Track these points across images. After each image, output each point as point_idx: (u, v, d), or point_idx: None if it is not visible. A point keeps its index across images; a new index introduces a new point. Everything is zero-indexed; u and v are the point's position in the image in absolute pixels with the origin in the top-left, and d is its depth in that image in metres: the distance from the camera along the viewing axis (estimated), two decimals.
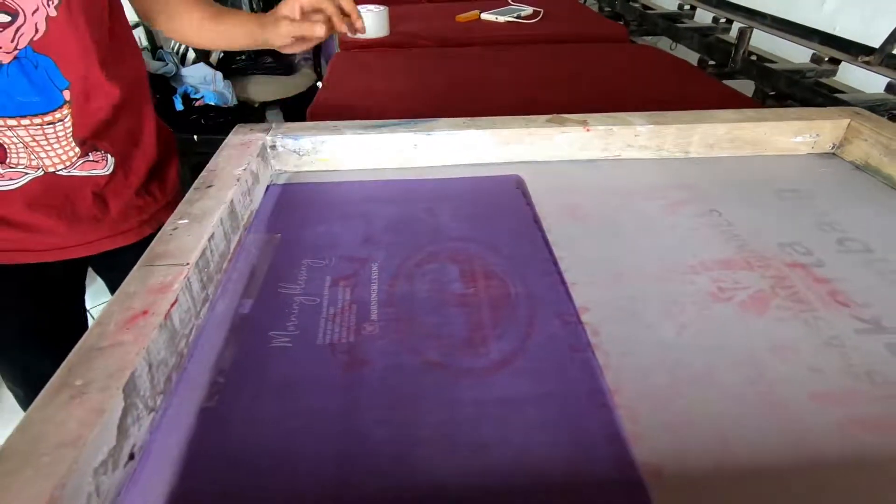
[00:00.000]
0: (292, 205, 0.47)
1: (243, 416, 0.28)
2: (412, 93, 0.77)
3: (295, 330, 0.33)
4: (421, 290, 0.37)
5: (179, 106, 1.91)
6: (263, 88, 2.26)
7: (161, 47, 2.33)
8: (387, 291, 0.36)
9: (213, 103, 1.99)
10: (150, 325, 0.28)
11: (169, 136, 0.70)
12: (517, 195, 0.48)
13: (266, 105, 2.40)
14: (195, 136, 1.70)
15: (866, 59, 0.78)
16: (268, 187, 0.49)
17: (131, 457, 0.25)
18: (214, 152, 1.67)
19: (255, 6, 2.13)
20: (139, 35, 2.40)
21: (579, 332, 0.33)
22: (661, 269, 0.39)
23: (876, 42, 0.77)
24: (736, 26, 1.05)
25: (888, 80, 0.73)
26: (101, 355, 0.26)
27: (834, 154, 0.56)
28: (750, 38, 0.82)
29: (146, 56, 2.08)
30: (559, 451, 0.26)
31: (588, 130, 0.52)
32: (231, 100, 2.08)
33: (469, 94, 0.77)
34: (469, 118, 0.53)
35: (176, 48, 2.16)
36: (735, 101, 0.74)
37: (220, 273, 0.37)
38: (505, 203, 0.47)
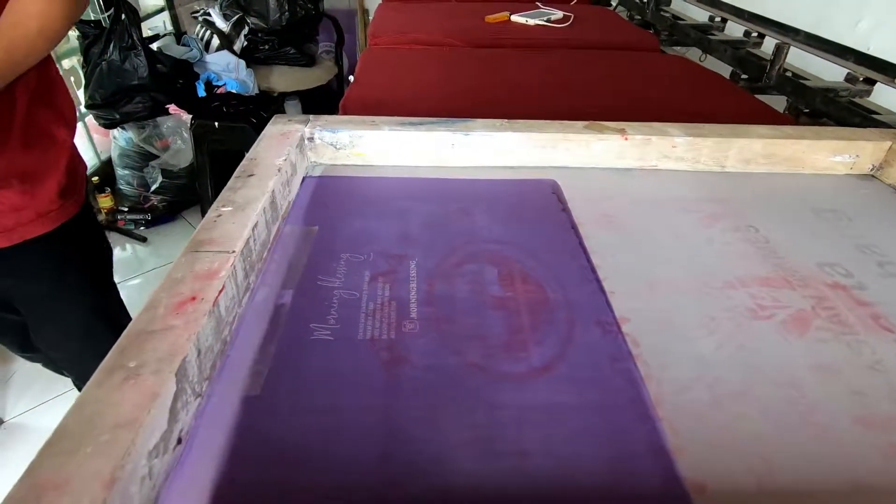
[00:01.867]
0: (328, 198, 0.47)
1: (286, 407, 0.28)
2: (442, 92, 0.77)
3: (335, 323, 0.33)
4: (460, 290, 0.37)
5: (202, 92, 1.92)
6: (285, 79, 2.27)
7: (185, 32, 2.34)
8: (426, 290, 0.36)
9: (234, 91, 2.00)
10: (199, 311, 0.28)
11: (55, 145, 0.68)
12: (553, 200, 0.48)
13: (286, 95, 2.41)
14: (216, 123, 1.71)
15: None
16: (304, 179, 0.50)
17: (179, 441, 0.25)
18: (232, 139, 1.68)
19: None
20: (164, 20, 2.42)
21: (620, 342, 0.33)
22: (698, 282, 0.39)
23: None
24: (768, 41, 1.04)
25: None
26: (152, 338, 0.26)
27: (873, 176, 0.55)
28: (787, 54, 0.81)
29: (170, 40, 2.09)
30: (601, 461, 0.26)
31: (626, 139, 0.52)
32: (252, 88, 2.09)
33: (499, 97, 0.77)
34: (507, 120, 0.53)
35: (201, 34, 2.17)
36: (769, 117, 0.74)
37: (262, 262, 0.37)
38: (541, 207, 0.47)
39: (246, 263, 0.34)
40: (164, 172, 1.90)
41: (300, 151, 0.49)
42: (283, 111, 2.23)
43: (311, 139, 0.51)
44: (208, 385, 0.28)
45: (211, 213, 0.36)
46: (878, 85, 0.80)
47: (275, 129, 0.49)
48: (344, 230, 0.42)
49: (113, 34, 1.72)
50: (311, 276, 0.37)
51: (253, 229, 0.35)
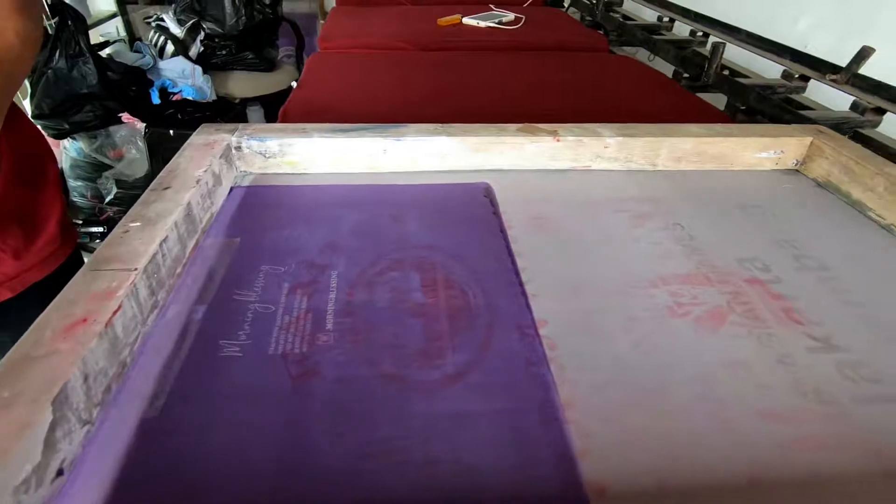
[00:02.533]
0: (255, 208, 0.46)
1: (185, 428, 0.27)
2: (389, 97, 0.77)
3: (246, 339, 0.32)
4: (380, 299, 0.36)
5: (156, 100, 1.87)
6: (244, 84, 2.23)
7: (139, 39, 2.28)
8: (344, 300, 0.36)
9: (191, 98, 1.95)
10: (89, 333, 0.27)
11: (48, 180, 0.63)
12: (485, 203, 0.48)
13: (247, 101, 2.37)
14: (171, 131, 1.66)
15: (833, 76, 0.80)
16: (231, 189, 0.48)
17: (59, 473, 0.24)
18: None
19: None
20: (117, 25, 2.35)
21: (536, 346, 0.33)
22: (623, 282, 0.39)
23: (845, 61, 0.79)
24: (712, 40, 1.07)
25: (853, 98, 0.74)
26: (33, 365, 0.25)
27: (797, 171, 0.57)
28: (722, 53, 0.84)
29: (121, 47, 2.03)
30: (506, 468, 0.26)
31: (558, 141, 0.52)
32: (210, 95, 2.05)
33: (446, 101, 0.77)
34: (440, 125, 0.53)
35: (154, 40, 2.11)
36: (707, 115, 0.76)
37: (174, 278, 0.36)
38: (472, 211, 0.47)
39: (152, 281, 0.33)
40: (120, 183, 1.84)
41: (227, 161, 0.48)
42: (244, 118, 2.19)
43: (238, 148, 0.49)
44: (100, 410, 0.27)
45: (118, 228, 0.35)
46: (813, 81, 0.83)
47: (200, 138, 0.48)
48: (267, 241, 0.41)
49: (59, 41, 1.66)
50: (227, 290, 0.36)
51: (161, 245, 0.34)
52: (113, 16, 2.33)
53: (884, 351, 0.34)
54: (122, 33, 2.34)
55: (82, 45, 1.68)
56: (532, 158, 0.53)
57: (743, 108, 0.79)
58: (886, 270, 0.42)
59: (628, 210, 0.48)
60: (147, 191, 0.39)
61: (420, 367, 0.31)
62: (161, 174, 0.42)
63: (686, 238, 0.44)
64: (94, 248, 1.64)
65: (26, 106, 1.78)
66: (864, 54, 0.74)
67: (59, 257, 0.64)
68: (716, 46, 0.82)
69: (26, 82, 1.76)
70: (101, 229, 1.86)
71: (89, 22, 1.79)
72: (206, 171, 0.42)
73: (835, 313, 0.37)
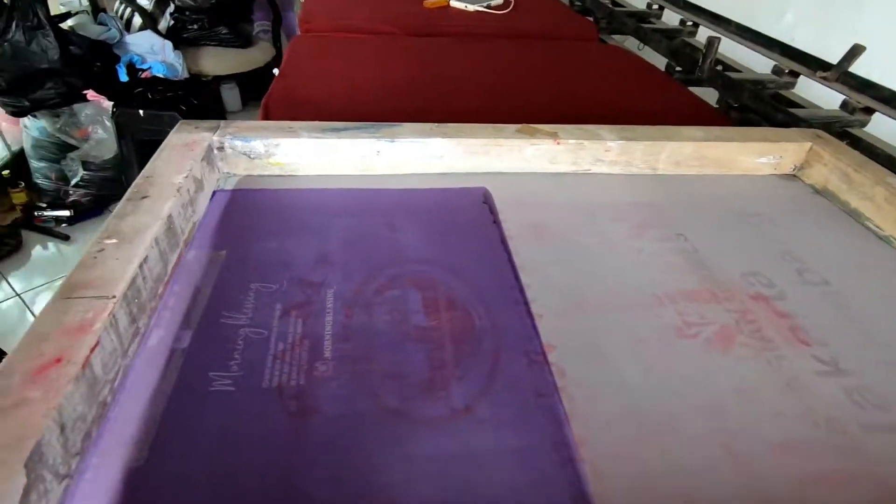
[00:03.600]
0: (241, 215, 0.43)
1: (174, 477, 0.25)
2: (374, 85, 0.73)
3: (238, 370, 0.30)
4: (380, 321, 0.34)
5: (124, 77, 1.77)
6: (218, 61, 2.13)
7: (104, 10, 2.15)
8: (342, 323, 0.34)
9: (161, 75, 1.86)
10: (63, 376, 0.24)
11: None
12: (483, 211, 0.46)
13: (221, 79, 2.27)
14: (140, 112, 1.58)
15: (824, 74, 0.80)
16: (214, 193, 0.45)
17: None
18: (160, 129, 1.57)
19: None
20: None
21: (545, 375, 0.31)
22: (627, 299, 0.38)
23: (829, 55, 0.79)
24: (702, 31, 1.05)
25: (843, 97, 0.74)
26: (1, 418, 0.22)
27: (795, 176, 0.56)
28: (717, 47, 0.82)
29: (84, 19, 1.91)
30: None
31: (558, 143, 0.50)
32: (182, 72, 1.96)
33: (433, 90, 0.74)
34: (436, 125, 0.50)
35: (120, 12, 2.00)
36: (701, 114, 0.75)
37: (155, 300, 0.33)
38: (471, 219, 0.45)
39: (132, 307, 0.30)
40: (86, 165, 1.75)
41: (208, 164, 0.44)
42: (217, 96, 2.10)
43: (220, 148, 0.46)
44: (80, 461, 0.25)
45: (92, 247, 0.32)
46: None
47: (178, 138, 0.45)
48: (256, 254, 0.39)
49: (15, 12, 1.55)
50: (214, 312, 0.34)
51: (141, 266, 0.31)
52: None
53: (889, 374, 0.34)
54: (85, 3, 2.20)
55: (41, 15, 1.57)
56: (531, 161, 0.51)
57: (736, 105, 0.78)
58: (888, 285, 0.42)
59: (629, 218, 0.47)
60: (123, 200, 0.36)
61: (424, 399, 0.29)
62: (137, 181, 0.38)
63: (689, 250, 0.43)
64: (60, 233, 1.56)
65: None
66: (854, 52, 0.74)
67: None
68: (711, 41, 0.81)
69: None
70: (66, 213, 1.77)
71: None
72: (186, 176, 0.39)
73: (840, 333, 0.37)
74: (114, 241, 0.32)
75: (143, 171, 0.40)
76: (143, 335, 0.31)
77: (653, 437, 0.29)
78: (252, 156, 0.47)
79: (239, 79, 2.37)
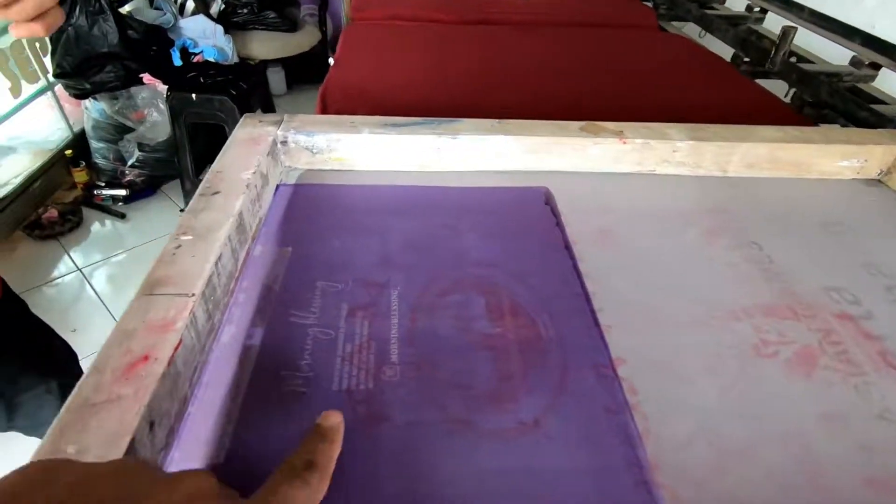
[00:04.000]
0: (304, 211, 0.43)
1: (253, 479, 0.25)
2: (429, 75, 0.72)
3: (309, 371, 0.30)
4: (444, 325, 0.34)
5: (178, 61, 1.82)
6: (266, 45, 2.16)
7: None
8: (407, 327, 0.34)
9: (212, 59, 1.90)
10: (151, 374, 0.25)
11: None
12: (546, 212, 0.45)
13: (267, 63, 2.30)
14: (193, 95, 1.62)
15: None
16: (277, 187, 0.46)
17: None
18: (212, 112, 1.60)
19: None
20: None
21: (616, 390, 0.31)
22: (701, 312, 0.36)
23: None
24: (771, 17, 0.99)
25: None
26: (96, 414, 0.23)
27: (880, 181, 0.52)
28: (793, 38, 0.77)
29: (141, 3, 1.96)
30: None
31: (624, 143, 0.48)
32: (232, 56, 2.00)
33: (488, 80, 0.72)
34: (497, 121, 0.49)
35: None
36: (772, 108, 0.70)
37: (227, 296, 0.34)
38: (533, 221, 0.44)
39: (209, 304, 0.31)
40: (141, 146, 1.82)
41: (272, 158, 0.45)
42: (265, 81, 2.14)
43: (284, 143, 0.46)
44: (164, 455, 0.26)
45: (170, 243, 0.33)
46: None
47: (244, 132, 0.45)
48: (320, 252, 0.39)
49: None
50: (283, 309, 0.34)
51: (216, 263, 0.32)
52: None
53: None
54: None
55: (102, 1, 1.62)
56: (594, 161, 0.49)
57: (810, 101, 0.73)
58: None
59: (699, 224, 0.45)
60: (195, 196, 0.37)
61: (492, 411, 0.29)
62: (207, 177, 0.39)
63: (765, 260, 0.41)
64: (117, 211, 1.63)
65: (47, 63, 1.74)
66: None
67: None
68: (786, 31, 0.76)
69: (46, 39, 1.72)
70: (122, 192, 1.85)
71: None
72: (254, 172, 0.40)
73: None
74: (189, 237, 0.33)
75: (212, 166, 0.41)
76: (216, 332, 0.32)
77: (733, 464, 0.27)
78: (314, 150, 0.47)
79: (284, 62, 2.40)
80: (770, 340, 0.35)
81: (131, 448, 0.22)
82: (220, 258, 0.32)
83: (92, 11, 1.62)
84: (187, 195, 1.83)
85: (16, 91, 1.65)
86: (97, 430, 0.22)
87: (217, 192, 0.37)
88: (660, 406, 0.30)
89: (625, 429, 0.29)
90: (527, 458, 0.27)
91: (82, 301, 1.57)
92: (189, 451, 0.26)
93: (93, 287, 1.60)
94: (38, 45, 1.73)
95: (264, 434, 0.27)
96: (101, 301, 1.56)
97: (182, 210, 1.88)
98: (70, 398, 0.23)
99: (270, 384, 0.30)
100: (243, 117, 0.47)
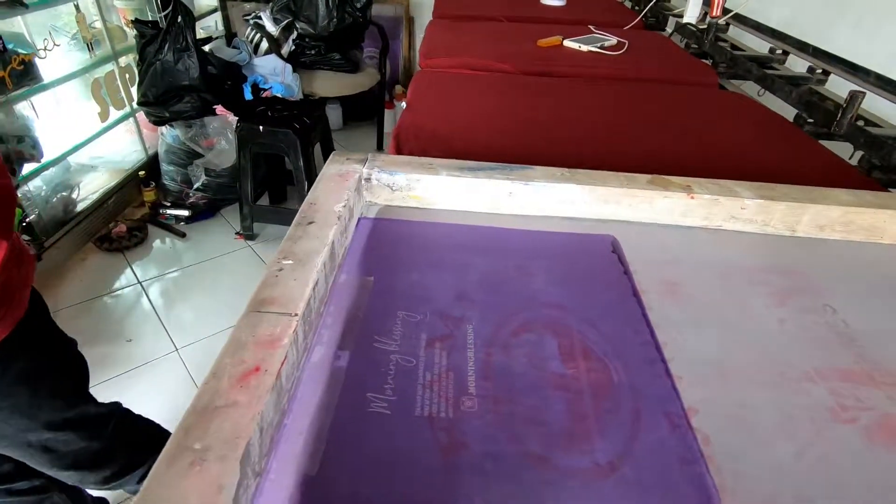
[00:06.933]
0: (383, 243, 0.46)
1: (344, 491, 0.27)
2: (496, 124, 0.76)
3: (392, 395, 0.32)
4: (518, 363, 0.35)
5: (249, 95, 1.96)
6: (328, 84, 2.30)
7: (236, 34, 2.40)
8: (483, 360, 0.35)
9: (280, 95, 2.03)
10: (263, 385, 0.27)
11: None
12: (613, 259, 0.46)
13: (327, 100, 2.43)
14: (260, 127, 1.74)
15: None
16: (359, 220, 0.49)
17: None
18: (275, 144, 1.70)
19: None
20: (216, 20, 2.48)
21: (689, 440, 0.31)
22: (773, 372, 0.36)
23: None
24: (833, 79, 0.99)
25: None
26: (216, 416, 0.25)
27: None
28: (861, 102, 0.77)
29: (221, 43, 2.14)
30: None
31: (692, 198, 0.50)
32: (297, 93, 2.13)
33: (555, 134, 0.75)
34: (567, 170, 0.51)
35: (251, 37, 2.21)
36: (840, 171, 0.70)
37: (318, 318, 0.37)
38: (600, 267, 0.45)
39: (306, 325, 0.33)
40: (207, 171, 1.94)
41: (357, 193, 0.48)
42: (325, 117, 2.26)
43: (368, 179, 0.50)
44: (266, 462, 0.28)
45: (272, 266, 0.36)
46: None
47: (333, 168, 0.49)
48: (399, 283, 0.42)
49: (169, 35, 1.77)
50: (367, 335, 0.36)
51: (314, 288, 0.35)
52: (213, 10, 2.46)
53: None
54: (221, 28, 2.46)
55: (189, 39, 1.78)
56: (661, 213, 0.51)
57: (879, 164, 0.73)
58: None
59: (768, 283, 0.45)
60: (293, 225, 0.40)
61: (567, 450, 0.30)
62: (302, 208, 0.43)
63: (840, 324, 0.41)
64: (179, 230, 1.72)
65: (133, 92, 1.91)
66: None
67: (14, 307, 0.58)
68: (854, 95, 0.76)
69: (135, 70, 1.89)
70: (185, 213, 1.97)
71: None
72: (344, 206, 0.43)
73: None
74: (290, 262, 0.36)
75: (307, 197, 0.44)
76: (309, 350, 0.35)
77: None
78: (394, 188, 0.50)
79: (342, 99, 2.54)
80: (847, 406, 0.34)
81: (246, 450, 0.24)
82: (316, 284, 0.35)
83: (178, 48, 1.78)
84: (244, 219, 1.92)
85: (104, 116, 1.81)
86: (218, 430, 0.25)
87: (312, 223, 0.41)
88: (735, 462, 0.30)
89: (700, 480, 0.29)
90: (602, 500, 0.28)
91: (138, 313, 1.65)
92: (285, 462, 0.28)
93: (150, 300, 1.69)
94: (127, 75, 1.90)
95: (353, 450, 0.29)
96: (156, 313, 1.64)
97: (238, 233, 1.99)
98: (194, 399, 0.26)
99: (358, 404, 0.31)
100: (332, 154, 0.51)
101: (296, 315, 0.32)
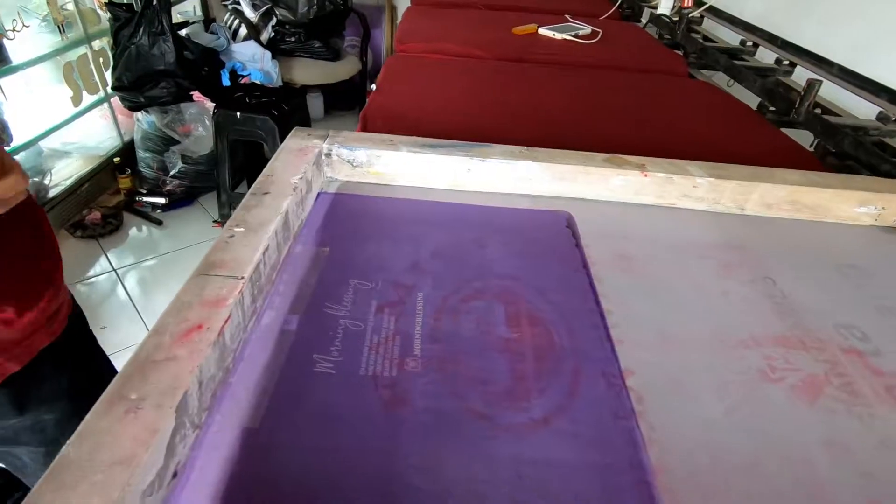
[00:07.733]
0: (342, 217, 0.47)
1: (285, 443, 0.28)
2: (465, 107, 0.77)
3: (338, 356, 0.33)
4: (466, 328, 0.36)
5: (226, 81, 1.93)
6: (309, 72, 2.28)
7: (214, 19, 2.36)
8: (431, 325, 0.36)
9: (258, 82, 2.01)
10: (204, 341, 0.28)
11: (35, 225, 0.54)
12: (567, 235, 0.48)
13: (308, 88, 2.41)
14: (238, 114, 1.72)
15: None
16: (318, 194, 0.50)
17: (175, 475, 0.25)
18: (253, 130, 1.69)
19: None
20: (194, 5, 2.44)
21: (623, 398, 0.32)
22: (711, 338, 0.38)
23: None
24: (799, 71, 1.02)
25: None
26: (155, 369, 0.26)
27: None
28: (818, 90, 0.80)
29: (198, 28, 2.11)
30: None
31: (646, 176, 0.51)
32: (276, 80, 2.10)
33: (522, 117, 0.76)
34: (526, 148, 0.52)
35: (229, 22, 2.18)
36: (795, 156, 0.72)
37: (269, 285, 0.37)
38: (554, 242, 0.46)
39: (254, 288, 0.34)
40: (184, 158, 1.92)
41: (317, 168, 0.49)
42: (304, 104, 2.24)
43: (328, 155, 0.50)
44: (207, 415, 0.28)
45: (224, 232, 0.36)
46: None
47: (294, 143, 0.49)
48: (354, 254, 0.42)
49: (143, 18, 1.74)
50: (318, 301, 0.37)
51: (264, 253, 0.35)
52: None
53: None
54: (199, 13, 2.42)
55: (164, 24, 1.75)
56: (616, 191, 0.52)
57: (833, 151, 0.75)
58: None
59: (715, 257, 0.47)
60: (248, 194, 0.41)
61: (507, 407, 0.31)
62: (259, 179, 0.43)
63: (778, 295, 0.43)
64: (155, 217, 1.71)
65: (107, 77, 1.87)
66: None
67: (62, 316, 0.57)
68: (811, 83, 0.78)
69: (109, 54, 1.86)
70: (162, 200, 1.94)
71: None
72: (300, 178, 0.44)
73: None
74: (241, 229, 0.37)
75: (264, 169, 0.45)
76: (258, 315, 0.35)
77: (736, 479, 0.29)
78: (355, 164, 0.51)
79: (323, 89, 2.52)
80: (777, 367, 0.36)
81: (183, 400, 0.25)
82: (266, 249, 0.36)
83: (154, 32, 1.75)
84: (222, 207, 1.91)
85: (76, 100, 1.77)
86: (156, 382, 0.25)
87: (267, 193, 0.41)
88: (665, 417, 0.31)
89: (630, 433, 0.30)
90: (537, 450, 0.29)
91: (113, 300, 1.63)
92: (228, 415, 0.29)
93: (125, 288, 1.67)
94: (101, 59, 1.87)
95: (296, 407, 0.30)
96: (132, 301, 1.62)
97: (215, 221, 1.97)
98: (134, 354, 0.26)
99: (304, 364, 0.32)
100: (294, 129, 0.52)
101: (242, 278, 0.32)
